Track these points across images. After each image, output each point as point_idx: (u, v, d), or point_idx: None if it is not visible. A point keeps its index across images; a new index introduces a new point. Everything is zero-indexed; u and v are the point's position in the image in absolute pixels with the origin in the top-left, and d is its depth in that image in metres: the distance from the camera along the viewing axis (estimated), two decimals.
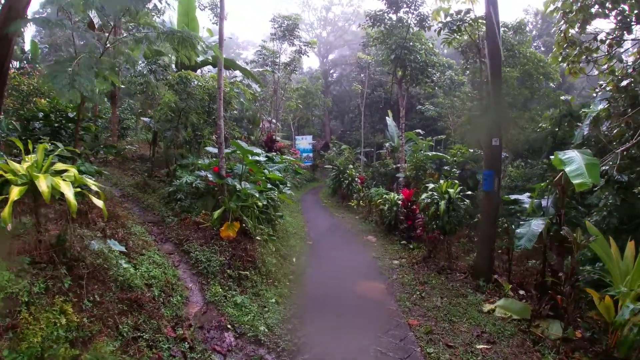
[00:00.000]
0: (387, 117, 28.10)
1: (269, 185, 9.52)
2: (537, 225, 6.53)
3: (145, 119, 15.48)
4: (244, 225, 7.69)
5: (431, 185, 8.92)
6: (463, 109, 28.19)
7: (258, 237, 8.12)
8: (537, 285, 7.79)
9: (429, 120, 31.28)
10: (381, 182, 16.11)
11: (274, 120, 22.77)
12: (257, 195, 7.53)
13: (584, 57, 12.40)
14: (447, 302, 7.38)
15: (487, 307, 7.31)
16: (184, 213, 9.15)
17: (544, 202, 7.68)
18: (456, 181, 9.10)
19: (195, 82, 12.37)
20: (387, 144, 23.06)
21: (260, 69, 21.09)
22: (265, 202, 9.01)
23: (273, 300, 6.68)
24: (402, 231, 12.27)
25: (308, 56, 23.30)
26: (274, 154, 12.76)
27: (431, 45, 19.57)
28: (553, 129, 11.12)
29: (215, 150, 9.10)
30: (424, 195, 8.73)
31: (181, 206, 9.44)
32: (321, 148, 34.05)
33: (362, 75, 31.66)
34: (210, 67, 17.66)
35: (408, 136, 21.13)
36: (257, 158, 9.18)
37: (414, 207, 12.13)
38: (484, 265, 8.39)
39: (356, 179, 18.98)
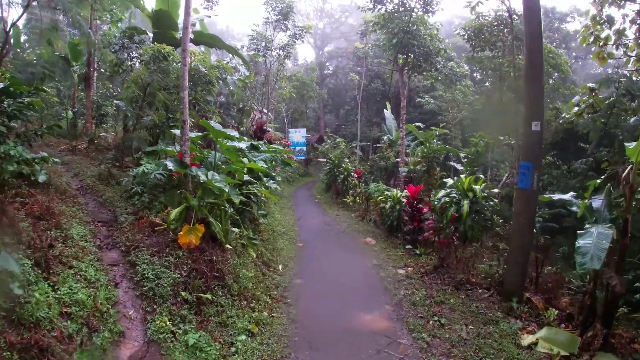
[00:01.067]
0: (385, 110, 26.26)
1: (248, 178, 7.66)
2: (603, 236, 4.73)
3: (119, 102, 13.51)
4: (213, 228, 5.82)
5: (450, 181, 7.07)
6: (464, 102, 26.53)
7: (230, 245, 6.25)
8: (583, 308, 6.06)
9: (427, 115, 29.49)
10: (380, 177, 14.32)
11: (264, 110, 20.80)
12: (228, 190, 5.64)
13: (611, 42, 10.72)
14: (474, 332, 5.58)
15: (526, 339, 5.54)
16: (145, 210, 7.27)
17: (595, 204, 5.87)
18: (481, 176, 7.25)
19: (173, 60, 10.45)
20: (385, 137, 21.27)
21: (251, 53, 19.11)
22: (243, 199, 7.16)
23: (243, 336, 4.80)
24: (406, 233, 10.46)
25: (303, 42, 21.36)
26: (261, 142, 10.89)
27: (435, 32, 17.68)
28: (605, 112, 8.99)
29: (192, 134, 7.19)
30: (441, 193, 6.89)
31: (142, 202, 7.55)
32: (315, 142, 32.11)
33: (358, 68, 29.76)
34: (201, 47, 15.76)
35: (408, 129, 19.30)
36: (235, 144, 7.33)
37: (420, 205, 10.33)
38: (515, 281, 6.61)
39: (352, 173, 17.15)
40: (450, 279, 7.66)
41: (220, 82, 17.71)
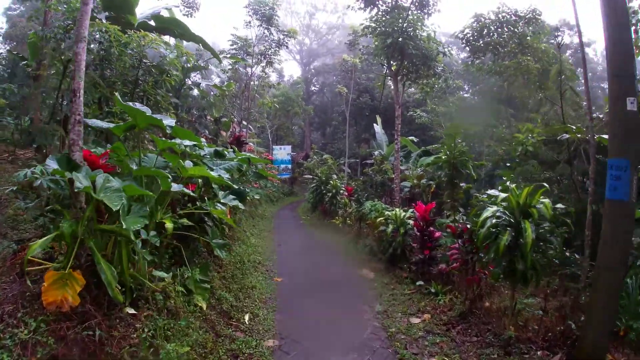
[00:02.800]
0: (375, 125, 24.20)
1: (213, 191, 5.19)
2: None
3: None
4: (106, 275, 3.26)
5: (501, 195, 4.61)
6: (457, 117, 24.61)
7: (129, 310, 3.68)
8: None
9: (418, 130, 27.49)
10: (376, 194, 11.94)
11: (244, 122, 18.40)
12: (123, 207, 3.15)
13: None
14: None
15: None
16: (34, 239, 4.71)
17: None
18: (544, 184, 4.86)
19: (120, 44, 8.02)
20: (376, 152, 19.07)
21: (228, 56, 16.81)
22: (186, 223, 4.67)
23: None
24: (413, 264, 8.02)
25: (287, 47, 19.19)
26: (230, 149, 8.45)
27: (433, 34, 15.71)
28: None
29: (103, 124, 4.69)
30: (487, 212, 4.44)
31: (36, 224, 5.01)
32: (302, 159, 29.78)
33: (345, 82, 27.74)
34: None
35: (403, 142, 17.10)
36: (181, 142, 4.95)
37: (431, 229, 7.93)
38: (598, 339, 4.20)
39: (342, 190, 14.75)
40: (490, 334, 5.21)
41: (194, 88, 15.39)
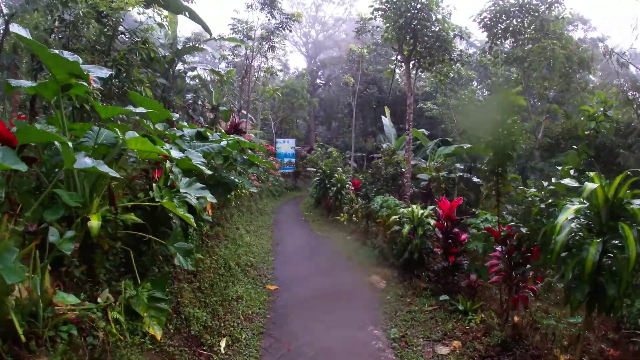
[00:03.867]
0: (383, 117, 22.68)
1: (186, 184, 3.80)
2: None
3: None
4: None
5: (589, 186, 3.14)
6: (470, 109, 23.04)
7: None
8: None
9: (427, 125, 25.95)
10: (386, 188, 10.45)
11: (243, 112, 16.95)
12: None
13: None
14: None
15: None
16: None
17: None
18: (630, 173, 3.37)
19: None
20: (384, 145, 17.63)
21: (226, 37, 15.35)
22: (135, 221, 3.27)
23: None
24: (433, 272, 6.59)
25: (290, 31, 17.68)
26: (219, 133, 7.03)
27: (448, 16, 14.16)
28: None
29: (27, 83, 3.30)
30: (565, 214, 2.95)
31: None
32: (306, 152, 28.35)
33: (351, 71, 26.20)
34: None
35: (414, 134, 15.56)
36: (134, 109, 3.55)
37: (456, 230, 6.48)
38: None
39: (347, 184, 13.29)
40: None
41: (188, 72, 13.99)
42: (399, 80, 27.25)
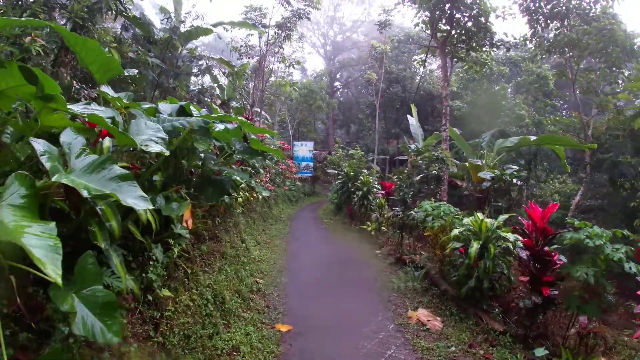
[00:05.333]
0: (409, 116, 20.48)
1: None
2: None
3: None
4: None
5: None
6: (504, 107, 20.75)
7: None
8: None
9: (455, 125, 23.63)
10: (431, 193, 8.28)
11: (257, 109, 15.06)
12: None
13: None
14: None
15: None
16: None
17: None
18: None
19: None
20: (412, 146, 15.48)
21: (236, 21, 13.48)
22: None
23: None
24: (515, 311, 4.47)
25: (309, 18, 15.73)
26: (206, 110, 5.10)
27: None
28: None
29: None
30: None
31: None
32: (327, 154, 26.34)
33: (373, 69, 24.13)
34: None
35: (451, 133, 13.36)
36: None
37: (546, 249, 4.36)
38: None
39: (374, 188, 11.22)
40: None
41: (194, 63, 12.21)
42: (427, 74, 25.04)
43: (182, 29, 10.61)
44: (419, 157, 8.46)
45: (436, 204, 6.03)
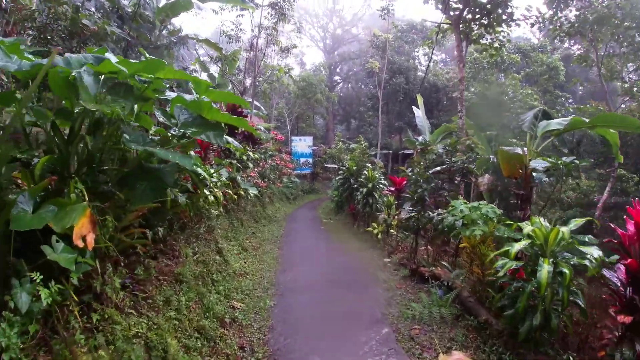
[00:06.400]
0: (414, 107, 18.83)
1: None
2: None
3: None
4: None
5: None
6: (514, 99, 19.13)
7: None
8: None
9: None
10: (454, 189, 6.62)
11: (248, 99, 13.41)
12: None
13: None
14: None
15: None
16: None
17: None
18: None
19: None
20: (419, 138, 13.90)
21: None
22: None
23: None
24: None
25: None
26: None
27: None
28: None
29: None
30: None
31: None
32: (327, 148, 24.67)
33: (374, 59, 22.41)
34: None
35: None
36: None
37: None
38: None
39: (381, 185, 9.63)
40: None
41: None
42: (432, 65, 23.36)
43: (161, 3, 9.05)
44: (440, 149, 6.85)
45: (474, 205, 4.43)
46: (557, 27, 13.62)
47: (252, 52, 12.82)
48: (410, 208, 6.88)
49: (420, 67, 25.61)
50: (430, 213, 6.02)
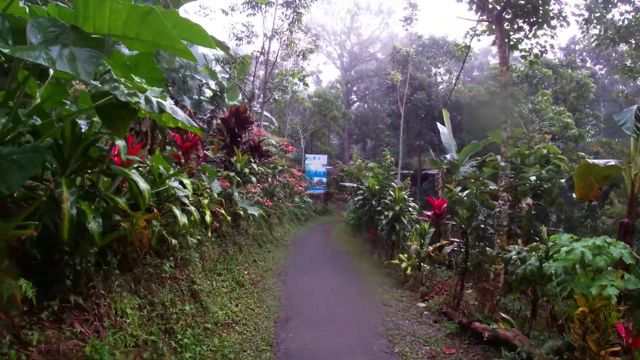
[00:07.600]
0: (439, 124, 17.16)
1: None
2: None
3: None
4: None
5: None
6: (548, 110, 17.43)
7: None
8: None
9: (481, 136, 20.22)
10: (523, 219, 4.91)
11: (257, 109, 11.95)
12: None
13: None
14: None
15: None
16: None
17: None
18: None
19: None
20: (447, 156, 12.35)
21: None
22: None
23: None
24: None
25: None
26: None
27: None
28: None
29: None
30: None
31: None
32: (343, 165, 23.04)
33: (394, 77, 20.92)
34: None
35: (494, 138, 9.99)
36: None
37: None
38: None
39: (410, 208, 7.90)
40: None
41: None
42: (455, 82, 21.80)
43: None
44: (498, 157, 5.13)
45: (598, 243, 2.66)
46: (601, 32, 11.95)
47: (263, 55, 11.42)
48: (455, 240, 5.10)
49: (442, 84, 24.05)
50: (489, 249, 4.24)
